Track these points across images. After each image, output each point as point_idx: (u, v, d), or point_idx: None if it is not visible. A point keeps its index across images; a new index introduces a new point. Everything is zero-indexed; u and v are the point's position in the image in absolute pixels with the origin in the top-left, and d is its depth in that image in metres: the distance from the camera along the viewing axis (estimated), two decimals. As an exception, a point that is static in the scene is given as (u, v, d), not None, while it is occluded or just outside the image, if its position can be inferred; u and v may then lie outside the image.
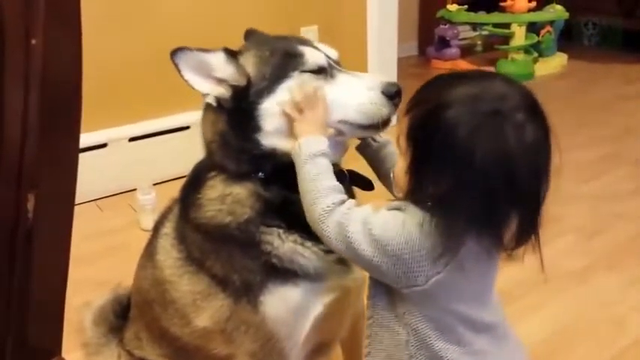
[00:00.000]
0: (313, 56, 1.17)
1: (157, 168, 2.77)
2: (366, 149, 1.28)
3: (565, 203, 2.59)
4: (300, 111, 1.11)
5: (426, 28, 5.24)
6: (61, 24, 0.68)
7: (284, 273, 1.15)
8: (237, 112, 1.16)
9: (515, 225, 0.92)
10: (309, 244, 1.15)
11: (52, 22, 0.66)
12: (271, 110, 1.14)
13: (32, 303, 0.81)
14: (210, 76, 1.15)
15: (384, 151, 1.25)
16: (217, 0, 2.90)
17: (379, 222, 0.94)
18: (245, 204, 1.16)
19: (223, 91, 1.15)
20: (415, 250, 0.90)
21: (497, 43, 4.80)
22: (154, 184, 2.48)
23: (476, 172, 0.87)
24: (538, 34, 4.70)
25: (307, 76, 1.15)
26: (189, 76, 1.13)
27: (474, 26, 5.24)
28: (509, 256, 0.96)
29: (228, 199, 1.17)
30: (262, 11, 3.01)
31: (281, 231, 1.15)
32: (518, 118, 0.88)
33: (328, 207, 0.99)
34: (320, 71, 1.17)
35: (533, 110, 0.91)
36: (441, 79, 0.98)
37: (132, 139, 2.84)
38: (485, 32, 4.97)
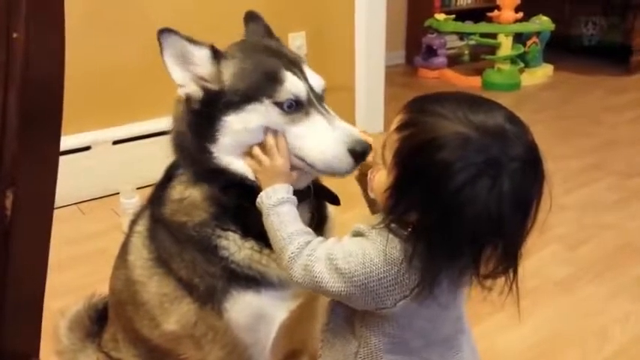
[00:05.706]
0: (293, 86, 1.11)
1: (141, 172, 2.72)
2: (361, 181, 1.20)
3: (550, 213, 2.57)
4: (259, 162, 1.11)
5: (414, 37, 5.26)
6: (43, 18, 0.66)
7: (246, 279, 1.14)
8: (200, 116, 1.13)
9: (493, 258, 0.89)
10: (266, 251, 1.14)
11: (35, 16, 0.64)
12: (232, 126, 1.10)
13: (9, 304, 0.79)
14: (189, 70, 1.12)
15: None
16: (204, 5, 2.89)
17: (342, 254, 0.94)
18: (199, 207, 1.16)
19: (196, 90, 1.12)
20: (380, 277, 0.91)
21: (484, 52, 4.85)
22: (138, 188, 2.45)
23: (466, 218, 0.84)
24: (524, 45, 4.74)
25: (276, 112, 1.10)
26: (170, 60, 1.10)
27: (461, 36, 5.28)
28: (481, 285, 0.94)
29: (184, 202, 1.18)
30: (250, 16, 2.99)
31: (237, 237, 1.14)
32: (515, 167, 0.84)
33: (293, 253, 1.00)
34: (295, 104, 1.11)
35: (532, 154, 0.87)
36: (437, 102, 0.90)
37: (116, 142, 2.81)
38: (472, 42, 5.01)
